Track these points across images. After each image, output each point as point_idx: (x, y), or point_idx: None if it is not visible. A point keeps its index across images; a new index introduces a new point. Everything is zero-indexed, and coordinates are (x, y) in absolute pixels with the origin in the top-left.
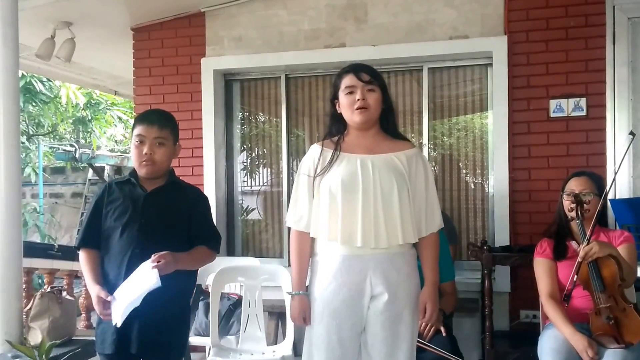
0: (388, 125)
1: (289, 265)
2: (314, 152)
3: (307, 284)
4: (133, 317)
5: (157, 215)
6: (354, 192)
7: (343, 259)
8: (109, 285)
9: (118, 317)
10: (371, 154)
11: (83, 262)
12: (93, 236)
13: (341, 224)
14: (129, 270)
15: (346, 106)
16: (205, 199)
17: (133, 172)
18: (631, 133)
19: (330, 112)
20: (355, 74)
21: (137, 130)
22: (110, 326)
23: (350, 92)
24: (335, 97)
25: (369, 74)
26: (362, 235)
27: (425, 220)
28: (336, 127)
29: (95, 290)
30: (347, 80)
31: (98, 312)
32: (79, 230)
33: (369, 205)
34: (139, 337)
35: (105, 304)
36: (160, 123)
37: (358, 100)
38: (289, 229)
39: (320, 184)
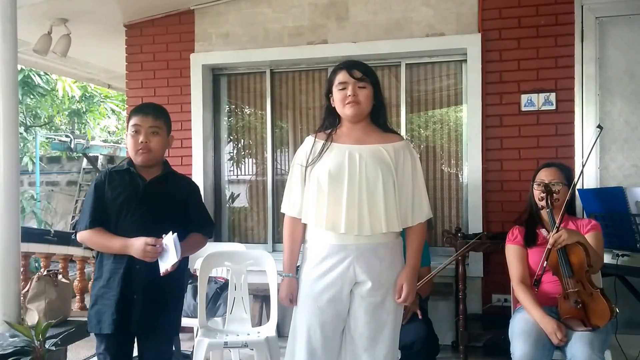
0: (379, 120)
1: (273, 250)
2: (308, 143)
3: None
4: (135, 298)
5: (156, 204)
6: (340, 181)
7: (330, 247)
8: (110, 270)
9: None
10: (360, 144)
11: (99, 236)
12: (101, 216)
13: (326, 211)
14: (130, 256)
15: (338, 101)
16: (197, 188)
17: (131, 162)
18: (598, 126)
19: (325, 106)
20: (348, 70)
21: (133, 121)
22: (109, 307)
23: (343, 88)
24: (330, 92)
25: (361, 71)
26: (345, 222)
27: (412, 211)
28: (330, 120)
29: (140, 240)
30: (340, 77)
31: (151, 255)
32: (73, 217)
33: (354, 194)
34: (141, 318)
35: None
36: (155, 114)
37: (349, 95)
38: (279, 216)
39: (310, 173)
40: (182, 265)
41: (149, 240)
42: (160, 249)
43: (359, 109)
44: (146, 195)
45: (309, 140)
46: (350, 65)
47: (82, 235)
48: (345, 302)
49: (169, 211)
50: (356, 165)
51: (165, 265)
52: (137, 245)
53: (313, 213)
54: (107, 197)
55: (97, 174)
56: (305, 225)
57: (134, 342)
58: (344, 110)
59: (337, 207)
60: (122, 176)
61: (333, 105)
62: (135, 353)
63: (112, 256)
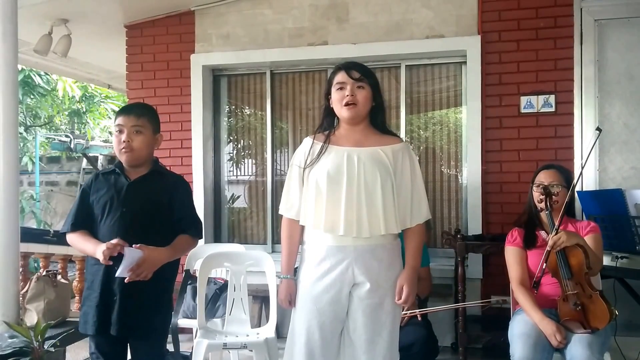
0: (377, 121)
1: (273, 251)
2: (306, 145)
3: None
4: (114, 300)
5: (138, 203)
6: (338, 183)
7: (327, 249)
8: (93, 272)
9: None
10: (358, 147)
11: (78, 238)
12: (83, 220)
13: (325, 213)
14: (112, 257)
15: (336, 101)
16: (185, 186)
17: (119, 163)
18: (597, 129)
19: (324, 106)
20: (347, 71)
21: (117, 121)
22: (92, 308)
23: (341, 88)
24: (328, 93)
25: (359, 72)
26: (344, 224)
27: (411, 212)
28: (328, 120)
29: (104, 244)
30: (339, 77)
31: (103, 257)
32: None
33: (352, 196)
34: (119, 319)
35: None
36: (137, 112)
37: (347, 96)
38: (278, 217)
39: (309, 175)
40: (171, 265)
41: (111, 242)
42: (114, 252)
43: (356, 111)
44: (128, 196)
45: (307, 141)
46: (349, 66)
47: (67, 239)
48: (344, 304)
49: (151, 212)
50: (354, 167)
51: (121, 272)
52: (102, 248)
53: (311, 215)
54: (92, 200)
55: (90, 176)
56: (303, 227)
57: (126, 344)
58: (342, 112)
59: (336, 209)
60: (108, 177)
61: (332, 106)
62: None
63: (93, 258)
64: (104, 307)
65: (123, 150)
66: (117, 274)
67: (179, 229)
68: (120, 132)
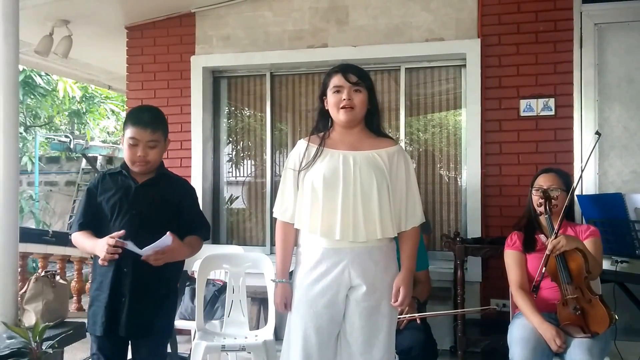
0: (373, 124)
1: (271, 253)
2: (300, 147)
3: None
4: (123, 301)
5: (147, 206)
6: (334, 187)
7: (323, 251)
8: (102, 273)
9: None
10: (354, 150)
11: (82, 237)
12: (89, 221)
13: (321, 217)
14: (121, 259)
15: (333, 104)
16: (192, 190)
17: (124, 165)
18: (597, 133)
19: (318, 109)
20: (344, 74)
21: (130, 133)
22: (101, 309)
23: (338, 91)
24: (323, 95)
25: (356, 75)
26: (341, 229)
27: (406, 215)
28: (323, 123)
29: (103, 239)
30: (336, 80)
31: (105, 252)
32: (71, 216)
33: (349, 200)
34: (128, 321)
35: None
36: (153, 126)
37: (344, 99)
38: (275, 219)
39: (304, 178)
40: (177, 267)
41: (110, 241)
42: (119, 249)
43: (353, 115)
44: (137, 198)
45: (302, 144)
46: (346, 68)
47: (72, 239)
48: (340, 307)
49: (160, 214)
50: (350, 170)
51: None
52: (100, 244)
53: (307, 219)
54: (100, 201)
55: (94, 177)
56: (297, 230)
57: (128, 344)
58: (338, 115)
59: (332, 213)
60: (115, 179)
61: (326, 108)
62: (129, 355)
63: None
64: (112, 308)
65: (138, 163)
66: (142, 251)
67: (188, 231)
68: (135, 145)
